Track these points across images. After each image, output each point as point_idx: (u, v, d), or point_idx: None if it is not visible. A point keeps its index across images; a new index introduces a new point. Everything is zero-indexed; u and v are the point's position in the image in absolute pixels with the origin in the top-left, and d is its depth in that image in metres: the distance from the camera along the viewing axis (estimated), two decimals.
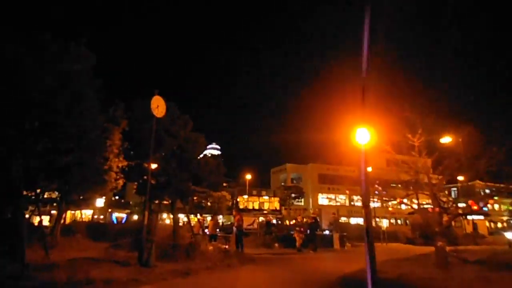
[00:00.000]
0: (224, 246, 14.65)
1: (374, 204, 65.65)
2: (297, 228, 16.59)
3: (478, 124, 9.34)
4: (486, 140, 9.52)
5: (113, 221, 42.50)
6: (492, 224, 53.17)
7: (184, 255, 11.33)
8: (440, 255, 10.47)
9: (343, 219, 47.94)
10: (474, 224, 28.19)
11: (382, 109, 8.62)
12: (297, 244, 16.40)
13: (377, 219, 59.37)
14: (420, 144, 9.17)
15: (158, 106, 10.85)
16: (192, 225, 16.47)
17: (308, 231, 16.83)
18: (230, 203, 51.22)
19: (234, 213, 15.46)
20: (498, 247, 18.04)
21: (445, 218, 10.43)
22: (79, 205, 16.96)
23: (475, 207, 10.79)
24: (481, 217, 35.75)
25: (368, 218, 7.98)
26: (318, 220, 17.73)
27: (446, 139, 14.49)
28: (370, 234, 7.98)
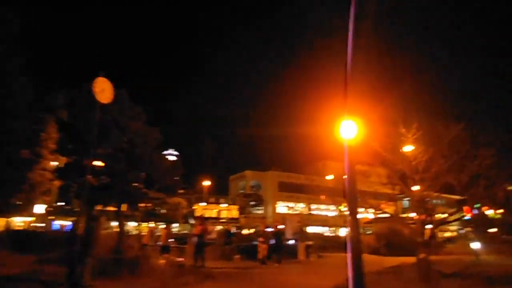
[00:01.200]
0: (179, 259, 12.78)
1: (331, 213, 65.56)
2: (260, 239, 15.10)
3: (467, 124, 8.44)
4: (473, 141, 8.71)
5: (54, 230, 38.39)
6: (440, 233, 55.07)
7: (129, 271, 9.40)
8: (423, 268, 9.45)
9: None
10: (433, 232, 28.20)
11: (368, 102, 7.43)
12: (260, 255, 14.88)
13: (333, 228, 59.65)
14: (415, 140, 8.13)
15: (104, 90, 8.95)
16: (143, 234, 14.41)
17: (274, 241, 15.39)
18: (187, 211, 48.79)
19: (197, 222, 13.73)
20: (463, 258, 17.68)
21: (427, 228, 9.46)
22: (5, 211, 14.31)
23: (469, 214, 10.00)
24: (430, 226, 36.50)
25: (355, 228, 6.68)
26: (284, 228, 16.37)
27: (408, 148, 13.85)
28: (357, 246, 6.69)
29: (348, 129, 7.00)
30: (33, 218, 43.42)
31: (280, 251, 15.32)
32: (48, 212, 43.80)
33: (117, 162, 10.50)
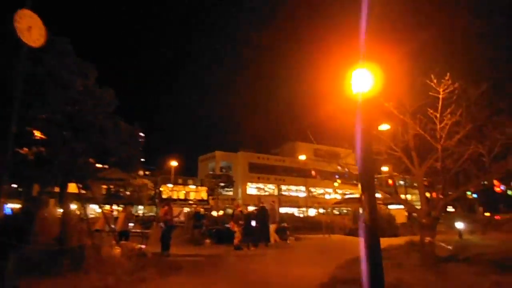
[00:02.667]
0: (140, 246, 10.84)
1: (301, 194, 65.27)
2: (240, 221, 13.41)
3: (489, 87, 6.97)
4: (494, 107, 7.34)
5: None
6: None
7: (73, 265, 7.40)
8: (429, 253, 8.16)
9: None
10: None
11: (386, 46, 5.76)
12: (236, 240, 13.20)
13: (303, 209, 59.51)
14: (445, 95, 6.56)
15: (31, 28, 6.70)
16: (98, 218, 12.30)
17: (254, 223, 13.70)
18: (153, 193, 46.36)
19: (161, 205, 11.75)
20: (444, 238, 16.99)
21: (438, 205, 8.08)
22: None
23: (498, 189, 8.80)
24: (400, 206, 36.39)
25: (371, 207, 5.11)
26: (266, 208, 14.71)
27: (384, 126, 12.48)
28: (374, 230, 5.13)
29: (362, 79, 5.34)
30: None
31: (266, 233, 13.78)
32: None
33: (58, 128, 8.27)
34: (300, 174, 63.13)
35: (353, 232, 21.71)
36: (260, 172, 60.70)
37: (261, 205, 15.17)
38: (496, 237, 17.15)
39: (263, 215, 14.44)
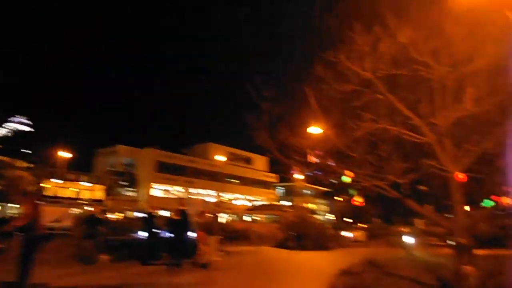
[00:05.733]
0: None
1: (211, 198, 61.65)
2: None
3: None
4: None
5: None
6: None
7: None
8: None
9: None
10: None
11: None
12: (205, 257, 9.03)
13: (210, 215, 55.81)
14: None
15: None
16: None
17: (172, 233, 9.63)
18: (34, 188, 37.69)
19: (24, 200, 6.81)
20: (389, 251, 15.20)
21: None
22: None
23: None
24: None
25: None
26: (187, 214, 10.59)
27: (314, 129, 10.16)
28: None
29: None
30: None
31: (183, 248, 9.73)
32: None
33: None
34: (212, 178, 59.33)
35: (283, 244, 18.87)
36: (168, 172, 55.14)
37: (181, 208, 10.90)
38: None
39: (184, 222, 10.38)
